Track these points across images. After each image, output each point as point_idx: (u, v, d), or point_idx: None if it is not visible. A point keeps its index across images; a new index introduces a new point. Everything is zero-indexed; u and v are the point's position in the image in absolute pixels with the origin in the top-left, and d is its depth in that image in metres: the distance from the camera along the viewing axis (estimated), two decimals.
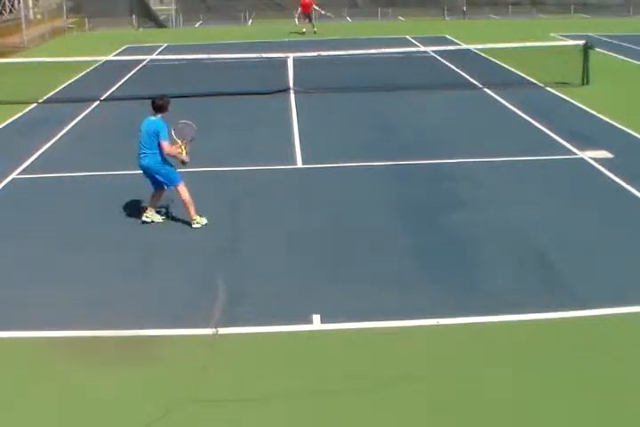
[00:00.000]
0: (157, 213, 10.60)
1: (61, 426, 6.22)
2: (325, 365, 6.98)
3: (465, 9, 41.19)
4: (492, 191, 11.74)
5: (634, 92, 19.20)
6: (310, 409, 6.32)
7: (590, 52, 19.91)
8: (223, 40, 31.72)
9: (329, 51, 22.57)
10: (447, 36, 30.99)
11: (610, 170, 12.41)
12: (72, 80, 22.55)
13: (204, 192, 11.94)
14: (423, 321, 7.70)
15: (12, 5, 39.35)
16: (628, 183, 11.71)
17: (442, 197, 11.47)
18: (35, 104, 19.12)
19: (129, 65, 24.13)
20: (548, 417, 6.13)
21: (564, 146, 14.03)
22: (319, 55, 21.99)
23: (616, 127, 15.38)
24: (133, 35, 35.99)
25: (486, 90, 19.53)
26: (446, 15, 41.57)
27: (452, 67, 23.33)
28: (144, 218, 10.46)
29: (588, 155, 13.33)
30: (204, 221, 10.33)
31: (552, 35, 31.08)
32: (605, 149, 13.57)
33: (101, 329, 7.66)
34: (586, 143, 14.05)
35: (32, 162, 13.87)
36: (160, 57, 25.77)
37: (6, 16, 38.54)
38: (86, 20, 39.54)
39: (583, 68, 19.77)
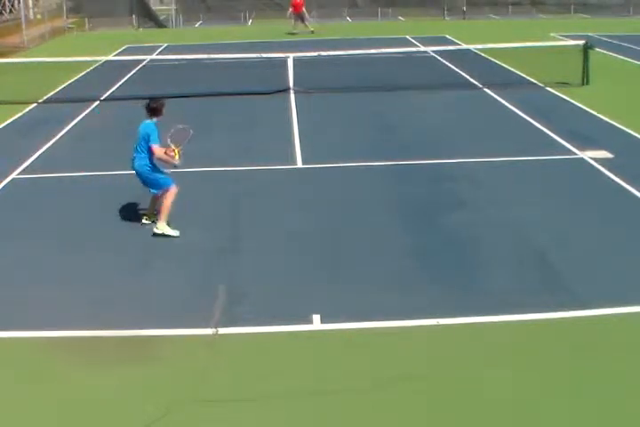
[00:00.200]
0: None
1: (61, 426, 6.22)
2: (325, 365, 6.98)
3: (465, 9, 41.19)
4: (491, 191, 11.74)
5: (634, 92, 19.20)
6: (310, 409, 6.32)
7: (590, 52, 19.91)
8: (223, 40, 31.72)
9: (329, 51, 22.57)
10: (447, 36, 30.99)
11: (610, 170, 12.41)
12: (72, 80, 22.55)
13: (204, 192, 11.96)
14: (423, 321, 7.70)
15: (12, 5, 39.35)
16: (628, 183, 11.71)
17: (442, 197, 11.48)
18: (35, 104, 19.12)
19: (129, 65, 24.13)
20: (548, 417, 6.13)
21: (563, 146, 14.03)
22: (319, 55, 21.99)
23: (616, 127, 15.38)
24: (133, 35, 35.99)
25: (486, 90, 19.53)
26: (446, 15, 41.57)
27: (452, 67, 23.33)
28: (144, 220, 10.42)
29: (588, 155, 13.33)
30: (169, 231, 9.93)
31: (552, 35, 31.08)
32: (605, 149, 13.57)
33: (101, 329, 7.65)
34: (586, 143, 14.05)
35: (32, 162, 13.87)
36: (160, 57, 25.78)
37: (6, 16, 38.55)
38: (86, 20, 39.55)
39: (583, 68, 19.77)
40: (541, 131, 15.19)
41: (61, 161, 14.00)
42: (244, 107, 18.17)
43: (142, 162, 9.99)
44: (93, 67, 24.41)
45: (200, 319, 7.78)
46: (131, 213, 10.98)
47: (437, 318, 7.72)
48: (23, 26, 33.03)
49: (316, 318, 7.76)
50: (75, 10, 41.02)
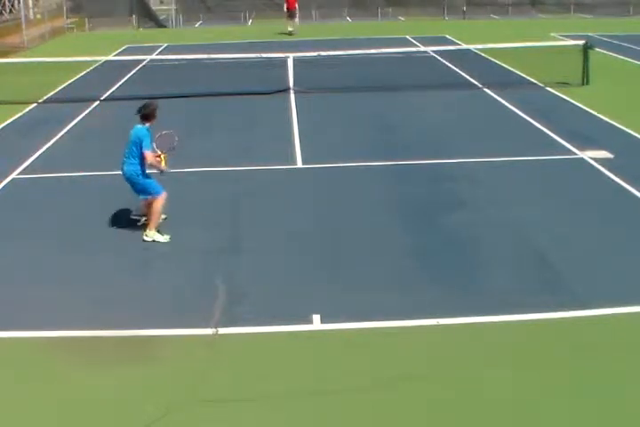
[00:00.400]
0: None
1: (61, 426, 6.22)
2: (325, 365, 6.98)
3: (465, 9, 41.19)
4: (491, 191, 11.74)
5: (634, 92, 19.20)
6: (310, 409, 6.32)
7: (590, 52, 19.92)
8: (223, 40, 31.72)
9: (329, 51, 22.57)
10: (447, 36, 30.99)
11: (610, 170, 12.41)
12: (72, 80, 22.55)
13: (204, 192, 11.96)
14: (423, 321, 7.70)
15: (12, 5, 39.35)
16: (628, 183, 11.71)
17: (442, 197, 11.47)
18: (35, 104, 19.12)
19: (129, 65, 24.13)
20: (548, 417, 6.13)
21: (564, 146, 14.03)
22: (319, 55, 21.99)
23: (616, 127, 15.38)
24: (133, 35, 35.99)
25: (486, 90, 19.53)
26: (446, 15, 41.57)
27: (452, 67, 23.33)
28: (143, 220, 10.29)
29: (588, 155, 13.33)
30: (159, 237, 9.84)
31: (552, 35, 31.09)
32: (605, 149, 13.57)
33: (101, 329, 7.65)
34: (586, 143, 14.05)
35: (32, 162, 13.86)
36: (160, 57, 25.78)
37: (6, 16, 38.56)
38: (86, 20, 39.56)
39: (583, 68, 19.78)
40: (541, 131, 15.19)
41: (61, 161, 14.00)
42: (244, 107, 18.17)
43: (133, 167, 9.86)
44: (93, 67, 24.41)
45: (200, 319, 7.78)
46: (130, 213, 10.98)
47: (437, 318, 7.72)
48: (23, 26, 33.03)
49: (316, 318, 7.76)
50: (75, 10, 41.03)
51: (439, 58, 24.91)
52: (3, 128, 16.82)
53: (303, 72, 21.23)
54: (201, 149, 14.54)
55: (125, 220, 10.74)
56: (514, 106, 17.41)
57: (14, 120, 17.49)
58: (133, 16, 40.05)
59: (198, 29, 40.49)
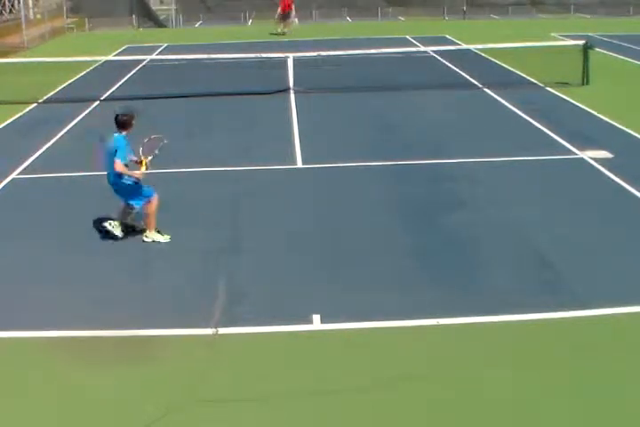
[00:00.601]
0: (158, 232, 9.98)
1: (61, 426, 6.22)
2: (325, 365, 6.98)
3: (465, 9, 41.19)
4: (491, 191, 11.74)
5: (634, 92, 19.20)
6: (310, 409, 6.31)
7: (590, 52, 19.92)
8: (223, 40, 31.72)
9: (329, 51, 22.57)
10: (447, 36, 30.99)
11: (610, 170, 12.41)
12: (72, 80, 22.55)
13: (204, 192, 11.96)
14: (423, 321, 7.70)
15: (12, 5, 39.33)
16: (628, 183, 11.71)
17: (442, 197, 11.47)
18: (35, 104, 19.12)
19: (129, 65, 24.13)
20: (548, 417, 6.13)
21: (564, 146, 14.03)
22: (319, 55, 21.99)
23: (616, 127, 15.38)
24: (133, 35, 35.99)
25: (486, 90, 19.53)
26: (446, 15, 41.57)
27: (452, 67, 23.33)
28: (144, 238, 9.93)
29: (588, 155, 13.33)
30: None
31: (552, 35, 31.08)
32: (605, 149, 13.57)
33: (101, 329, 7.65)
34: (586, 143, 14.05)
35: (32, 162, 13.87)
36: (160, 57, 25.78)
37: (6, 16, 38.52)
38: (86, 20, 39.56)
39: (583, 68, 19.78)
40: (541, 131, 15.19)
41: (61, 161, 13.99)
42: (244, 107, 18.16)
43: (115, 178, 9.64)
44: (93, 67, 24.41)
45: (200, 319, 7.78)
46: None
47: (437, 318, 7.72)
48: (23, 26, 33.02)
49: (316, 318, 7.76)
50: (75, 10, 41.02)
51: (439, 58, 24.91)
52: (3, 128, 16.82)
53: (303, 72, 21.23)
54: (201, 149, 14.54)
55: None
56: (514, 106, 17.40)
57: (14, 120, 17.49)
58: (133, 16, 40.06)
59: (198, 29, 40.51)
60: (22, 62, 23.46)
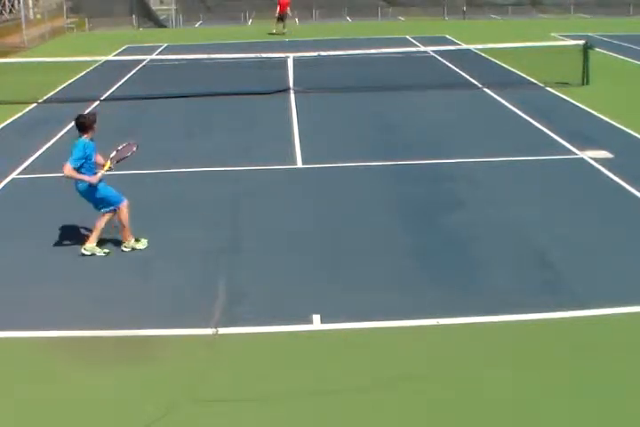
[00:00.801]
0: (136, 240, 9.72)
1: (61, 426, 6.22)
2: (325, 365, 6.98)
3: (465, 9, 41.19)
4: (491, 191, 11.74)
5: (634, 92, 19.21)
6: (310, 409, 6.32)
7: (590, 52, 19.92)
8: (223, 40, 31.72)
9: (329, 51, 22.57)
10: (447, 36, 30.99)
11: (610, 170, 12.42)
12: (72, 80, 22.56)
13: (204, 192, 11.96)
14: (423, 321, 7.70)
15: (12, 5, 39.34)
16: (628, 183, 11.71)
17: (442, 197, 11.48)
18: (35, 104, 19.12)
19: (129, 65, 24.13)
20: (548, 417, 6.13)
21: (564, 146, 14.03)
22: (319, 55, 21.99)
23: (616, 127, 15.38)
24: (133, 35, 36.00)
25: (486, 90, 19.53)
26: (446, 15, 41.57)
27: (452, 67, 23.33)
28: (123, 248, 9.65)
29: (588, 155, 13.33)
30: (98, 251, 9.47)
31: (552, 35, 31.09)
32: (605, 149, 13.57)
33: (101, 329, 7.65)
34: (586, 143, 14.05)
35: (32, 162, 13.87)
36: (160, 57, 25.78)
37: (6, 16, 38.55)
38: (86, 20, 39.57)
39: (583, 68, 19.78)
40: (541, 131, 15.19)
41: (61, 161, 13.94)
42: (244, 107, 18.17)
43: (81, 184, 9.34)
44: (93, 67, 24.41)
45: (200, 319, 7.78)
46: (130, 212, 10.97)
47: (437, 318, 7.72)
48: (23, 26, 33.04)
49: (316, 318, 7.76)
50: (75, 10, 41.03)
51: (439, 58, 24.91)
52: (3, 128, 16.83)
53: (303, 72, 21.23)
54: (201, 149, 14.55)
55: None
56: (514, 106, 17.41)
57: (14, 120, 17.50)
58: (133, 16, 40.06)
59: (198, 29, 40.50)
60: (22, 62, 23.46)
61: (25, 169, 13.41)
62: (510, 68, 22.58)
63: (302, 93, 19.40)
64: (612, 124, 15.61)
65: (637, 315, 7.73)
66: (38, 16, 39.45)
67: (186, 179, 12.68)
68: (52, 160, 14.08)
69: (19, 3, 36.63)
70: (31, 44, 32.29)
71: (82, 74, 23.50)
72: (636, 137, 14.57)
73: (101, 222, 9.56)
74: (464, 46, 25.23)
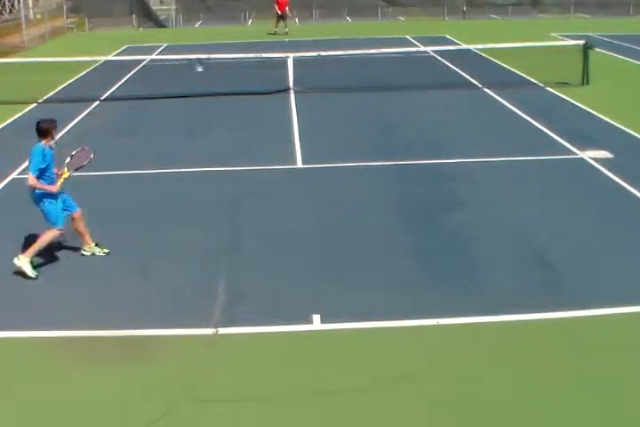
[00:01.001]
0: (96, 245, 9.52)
1: (61, 426, 6.22)
2: (325, 365, 6.98)
3: (465, 9, 41.18)
4: (491, 191, 11.74)
5: (634, 92, 19.20)
6: (310, 409, 6.32)
7: (590, 52, 19.92)
8: (223, 40, 31.72)
9: (329, 51, 22.57)
10: (447, 36, 30.99)
11: (610, 170, 12.41)
12: (72, 80, 22.55)
13: (204, 192, 11.96)
14: (423, 321, 7.70)
15: (12, 5, 39.35)
16: (628, 183, 11.71)
17: (442, 196, 11.48)
18: (35, 104, 19.12)
19: (129, 65, 24.13)
20: (548, 417, 6.13)
21: (564, 146, 14.03)
22: (319, 55, 21.99)
23: (616, 127, 15.38)
24: (133, 35, 36.00)
25: (486, 90, 19.53)
26: (446, 15, 41.57)
27: (452, 67, 23.33)
28: (83, 252, 9.51)
29: (588, 155, 13.33)
30: (28, 269, 8.89)
31: (552, 35, 31.08)
32: (605, 149, 13.57)
33: (101, 329, 7.65)
34: (586, 143, 14.05)
35: None
36: (160, 57, 25.78)
37: (6, 16, 38.55)
38: (86, 20, 39.58)
39: (583, 68, 19.78)
40: (541, 131, 15.19)
41: (61, 161, 13.95)
42: (244, 107, 18.16)
43: (39, 191, 8.96)
44: (93, 67, 24.41)
45: (200, 319, 7.78)
46: (130, 212, 10.99)
47: (437, 318, 7.72)
48: (23, 26, 33.03)
49: (316, 318, 7.76)
50: (75, 10, 41.03)
51: (439, 58, 24.91)
52: (3, 128, 16.83)
53: (303, 72, 21.23)
54: (201, 149, 14.54)
55: (125, 219, 10.74)
56: (514, 106, 17.41)
57: (14, 120, 17.49)
58: (133, 16, 40.06)
59: (198, 29, 40.49)
60: (22, 62, 23.45)
61: (25, 169, 13.38)
62: (510, 68, 22.58)
63: (302, 93, 19.40)
64: (612, 124, 15.61)
65: (637, 315, 7.73)
66: (38, 16, 39.45)
67: (186, 179, 12.67)
68: None
69: (19, 3, 36.63)
70: (31, 44, 32.28)
71: (82, 74, 23.50)
72: (636, 137, 14.57)
73: (44, 238, 9.01)
74: (464, 46, 25.22)
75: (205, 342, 7.41)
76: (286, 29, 33.99)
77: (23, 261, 8.90)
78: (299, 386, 6.64)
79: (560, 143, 14.21)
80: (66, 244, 9.91)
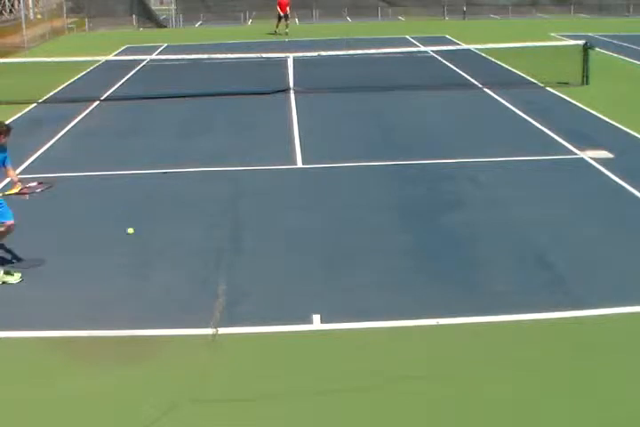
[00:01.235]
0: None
1: (61, 426, 6.22)
2: (325, 365, 6.98)
3: (465, 9, 41.19)
4: (491, 191, 11.74)
5: (634, 92, 19.21)
6: (310, 409, 6.31)
7: (590, 52, 19.93)
8: (223, 40, 31.73)
9: (329, 51, 22.58)
10: (447, 36, 31.00)
11: (610, 170, 12.42)
12: (72, 80, 22.56)
13: (204, 192, 11.96)
14: (423, 321, 7.70)
15: (12, 5, 39.34)
16: (628, 183, 11.71)
17: (442, 196, 11.47)
18: (35, 104, 19.12)
19: (129, 65, 24.14)
20: (548, 417, 6.13)
21: (564, 146, 14.03)
22: (319, 55, 22.00)
23: (616, 127, 15.38)
24: (133, 35, 35.98)
25: (486, 90, 19.53)
26: (446, 15, 41.58)
27: (452, 67, 23.33)
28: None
29: (588, 155, 13.33)
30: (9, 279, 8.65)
31: (552, 35, 31.09)
32: (605, 149, 13.57)
33: (101, 329, 7.65)
34: (586, 143, 14.05)
35: (32, 162, 13.86)
36: (160, 57, 25.78)
37: (6, 16, 38.55)
38: (86, 20, 39.58)
39: (583, 68, 19.78)
40: (541, 131, 15.20)
41: (61, 161, 13.99)
42: (244, 107, 18.17)
43: None
44: (93, 67, 24.41)
45: (200, 319, 7.77)
46: (130, 212, 10.99)
47: (437, 318, 7.72)
48: (23, 26, 33.01)
49: (316, 318, 7.76)
50: (75, 10, 41.04)
51: (439, 58, 24.91)
52: None
53: (303, 72, 21.24)
54: (201, 149, 14.54)
55: (125, 220, 10.74)
56: (514, 106, 17.41)
57: (14, 120, 17.46)
58: (133, 16, 40.06)
59: (198, 29, 40.51)
60: (22, 62, 23.45)
61: (25, 169, 13.40)
62: (510, 68, 22.59)
63: (302, 93, 19.40)
64: (612, 124, 15.61)
65: (637, 315, 7.72)
66: (38, 16, 39.46)
67: (186, 179, 12.67)
68: (51, 160, 14.10)
69: (19, 3, 36.61)
70: (31, 44, 32.28)
71: (82, 74, 23.51)
72: (635, 137, 14.57)
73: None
74: (464, 46, 25.22)
75: (205, 342, 7.41)
76: (286, 30, 33.99)
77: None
78: (299, 386, 6.63)
79: (560, 143, 14.21)
80: (65, 244, 9.92)
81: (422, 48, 25.28)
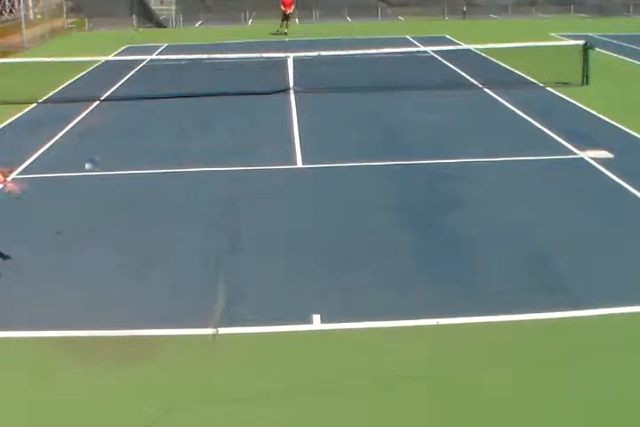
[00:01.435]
0: None
1: (61, 426, 6.22)
2: (325, 365, 6.98)
3: (465, 9, 41.18)
4: (491, 191, 11.74)
5: (634, 92, 19.20)
6: (310, 409, 6.31)
7: (590, 52, 19.92)
8: (223, 40, 31.73)
9: (329, 51, 22.58)
10: (447, 36, 31.00)
11: (610, 170, 12.42)
12: (72, 80, 22.56)
13: (204, 192, 11.96)
14: (423, 321, 7.70)
15: (12, 5, 39.33)
16: (628, 183, 11.71)
17: (442, 197, 11.47)
18: (35, 104, 19.12)
19: (129, 65, 24.14)
20: (548, 417, 6.13)
21: (564, 146, 14.03)
22: (319, 55, 22.00)
23: (616, 127, 15.38)
24: (133, 35, 36.00)
25: (486, 90, 19.53)
26: (446, 15, 41.58)
27: (452, 67, 23.33)
28: None
29: (588, 155, 13.33)
30: None
31: (552, 35, 31.09)
32: (605, 149, 13.57)
33: (101, 329, 7.65)
34: (586, 143, 14.05)
35: (32, 162, 13.87)
36: (160, 57, 25.78)
37: (6, 16, 38.52)
38: (86, 20, 39.58)
39: (583, 68, 19.78)
40: (541, 131, 15.20)
41: (61, 161, 13.99)
42: (244, 107, 18.17)
43: None
44: (93, 67, 24.41)
45: (200, 319, 7.78)
46: (130, 212, 10.99)
47: (437, 318, 7.71)
48: (23, 26, 33.01)
49: (316, 318, 7.76)
50: (75, 10, 41.04)
51: (439, 58, 24.91)
52: (3, 128, 16.82)
53: (303, 72, 21.24)
54: (201, 149, 14.55)
55: (125, 220, 10.75)
56: (514, 106, 17.41)
57: (14, 120, 17.49)
58: (133, 16, 40.07)
59: (198, 29, 40.51)
60: (22, 62, 23.44)
61: (25, 169, 13.41)
62: (510, 68, 22.59)
63: (302, 93, 19.40)
64: (612, 124, 15.61)
65: (637, 315, 7.72)
66: (38, 16, 39.44)
67: (186, 179, 12.67)
68: (51, 160, 14.10)
69: (19, 3, 36.60)
70: (31, 44, 32.28)
71: (82, 74, 23.50)
72: (635, 137, 14.57)
73: None
74: (464, 46, 25.22)
75: (205, 342, 7.41)
76: (285, 30, 34.00)
77: None
78: (298, 386, 6.63)
79: (560, 143, 14.21)
80: (65, 244, 9.92)
81: (422, 48, 25.27)
